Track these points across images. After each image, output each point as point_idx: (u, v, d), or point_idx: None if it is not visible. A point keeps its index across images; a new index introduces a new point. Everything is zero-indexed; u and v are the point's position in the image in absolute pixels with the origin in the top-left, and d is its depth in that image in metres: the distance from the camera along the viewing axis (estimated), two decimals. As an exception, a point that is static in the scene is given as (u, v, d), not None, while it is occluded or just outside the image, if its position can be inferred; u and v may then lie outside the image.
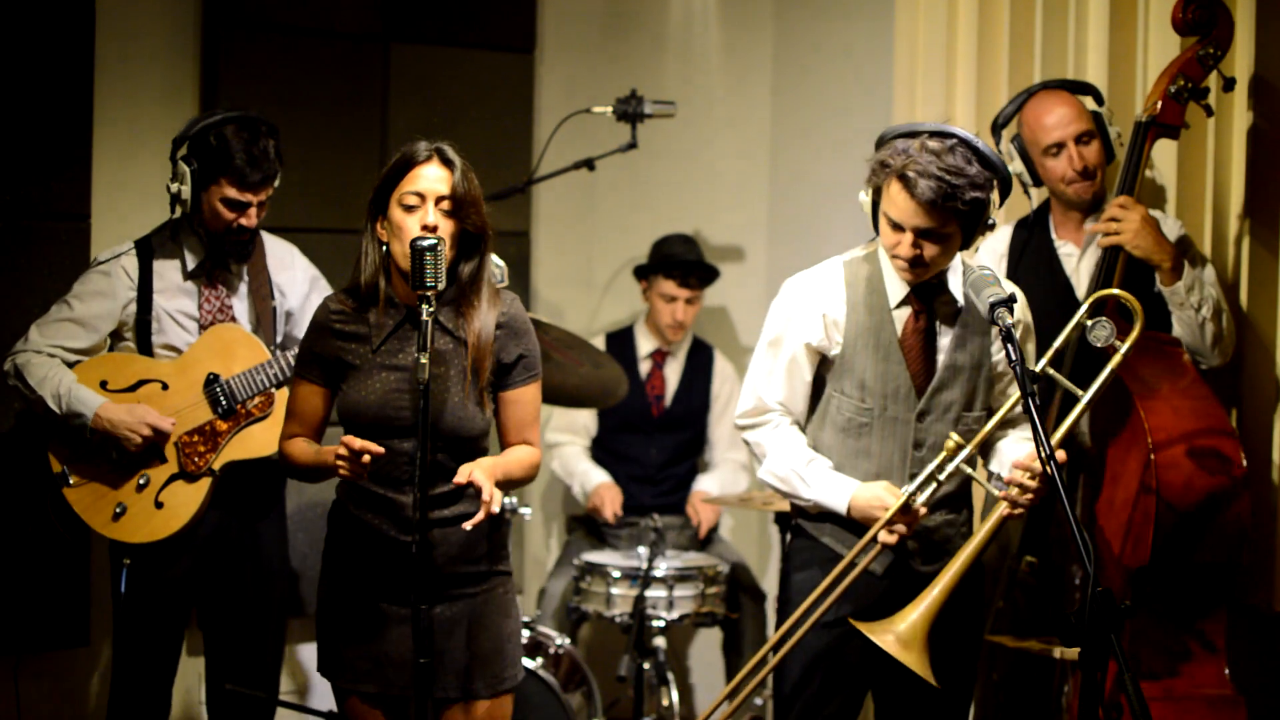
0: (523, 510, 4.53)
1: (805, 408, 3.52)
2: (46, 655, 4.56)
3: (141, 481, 3.97)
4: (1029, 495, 3.30)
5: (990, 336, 3.44)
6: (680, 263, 5.33)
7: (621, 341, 5.45)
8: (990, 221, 3.35)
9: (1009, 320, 3.10)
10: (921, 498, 3.32)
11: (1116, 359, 3.36)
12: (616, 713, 5.07)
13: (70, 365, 3.97)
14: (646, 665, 4.80)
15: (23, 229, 4.49)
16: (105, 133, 4.63)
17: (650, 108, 5.09)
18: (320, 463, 3.28)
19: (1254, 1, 4.03)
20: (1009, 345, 3.09)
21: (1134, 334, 3.37)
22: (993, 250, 4.28)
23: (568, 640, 4.73)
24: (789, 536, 3.63)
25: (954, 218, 3.29)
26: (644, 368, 5.44)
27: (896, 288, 3.43)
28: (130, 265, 4.02)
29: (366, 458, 3.17)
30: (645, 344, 5.46)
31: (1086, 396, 3.34)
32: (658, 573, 4.83)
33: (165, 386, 3.98)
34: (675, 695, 4.92)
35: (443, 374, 3.27)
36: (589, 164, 5.11)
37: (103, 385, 3.96)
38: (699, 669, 5.66)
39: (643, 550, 4.88)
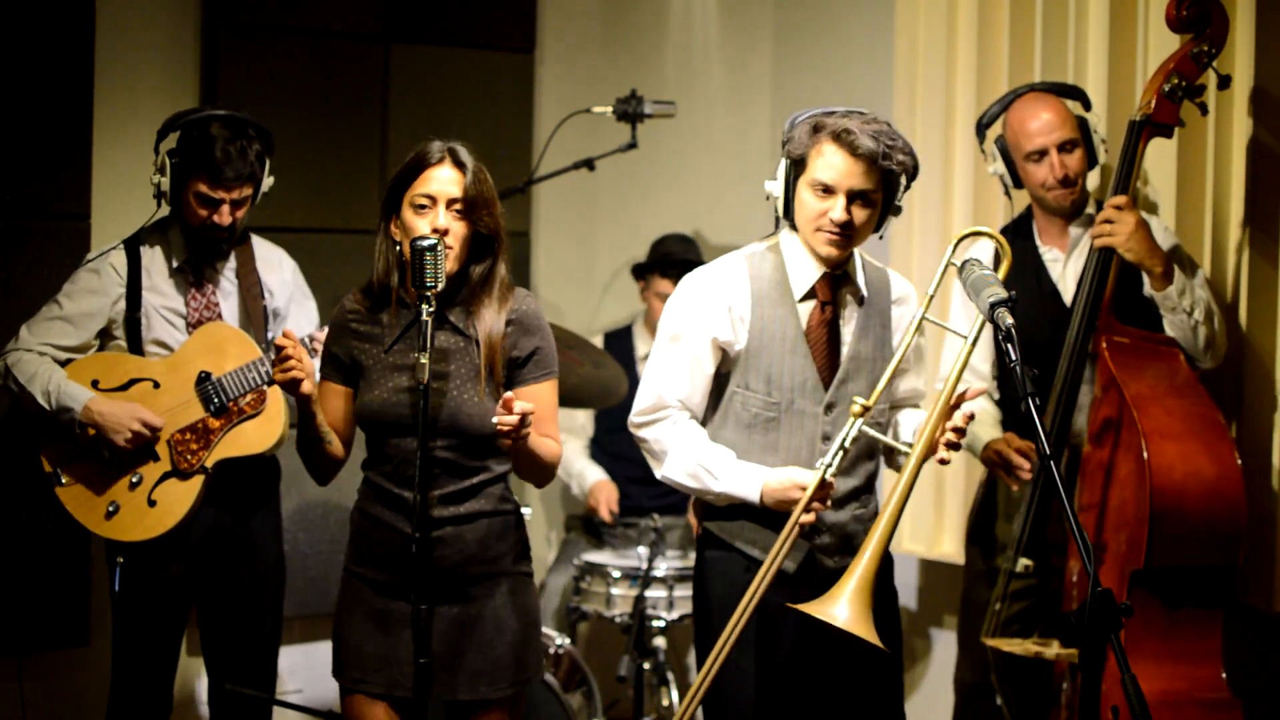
0: (523, 510, 4.52)
1: (705, 404, 3.47)
2: (46, 655, 4.56)
3: (134, 480, 3.97)
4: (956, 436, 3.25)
5: (889, 327, 3.44)
6: (677, 261, 5.33)
7: (619, 341, 5.44)
8: (898, 205, 3.36)
9: (1009, 321, 3.09)
10: (831, 470, 3.27)
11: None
12: (616, 713, 5.07)
13: (62, 364, 3.97)
14: (646, 665, 4.81)
15: (23, 229, 4.49)
16: (105, 133, 4.63)
17: (650, 108, 5.09)
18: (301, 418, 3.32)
19: (1254, 2, 4.03)
20: (1008, 346, 3.07)
21: (1004, 269, 3.31)
22: (977, 257, 4.27)
23: (568, 640, 4.73)
24: (700, 544, 3.53)
25: (883, 181, 3.31)
26: (641, 368, 5.43)
27: (801, 280, 3.41)
28: (119, 262, 4.02)
29: (287, 348, 3.20)
30: (643, 344, 5.46)
31: (971, 337, 3.27)
32: (658, 573, 4.83)
33: (157, 385, 3.98)
34: (675, 695, 4.92)
35: (452, 372, 3.28)
36: (589, 164, 5.11)
37: (94, 384, 3.96)
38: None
39: (643, 550, 4.88)
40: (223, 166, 3.90)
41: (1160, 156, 4.20)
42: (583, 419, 5.45)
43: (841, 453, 3.26)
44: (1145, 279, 3.96)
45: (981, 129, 4.22)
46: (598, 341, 5.36)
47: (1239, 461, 3.77)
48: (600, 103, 5.14)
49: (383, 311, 3.34)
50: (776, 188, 3.40)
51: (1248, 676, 3.91)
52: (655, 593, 4.83)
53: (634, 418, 3.47)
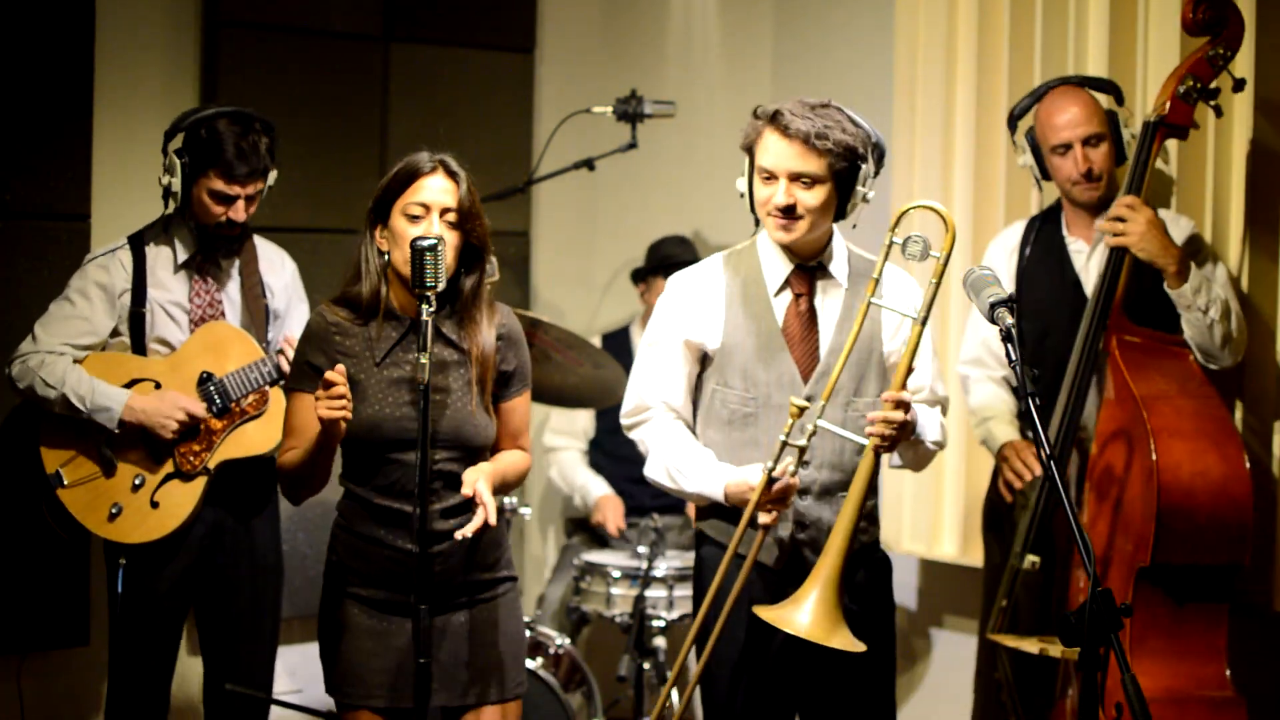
0: (523, 510, 4.53)
1: (688, 404, 3.47)
2: (46, 654, 4.56)
3: (137, 481, 3.96)
4: (893, 428, 3.20)
5: (879, 322, 3.39)
6: (679, 264, 5.31)
7: (618, 342, 5.44)
8: (866, 195, 3.33)
9: (1009, 321, 3.08)
10: (787, 468, 3.23)
11: (939, 268, 3.24)
12: (616, 713, 5.07)
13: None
14: (646, 665, 4.80)
15: (23, 229, 4.49)
16: (105, 133, 4.63)
17: (650, 108, 5.09)
18: (313, 441, 3.21)
19: (1254, 3, 4.03)
20: (1008, 345, 3.07)
21: (946, 240, 3.24)
22: (1004, 246, 4.28)
23: (568, 640, 4.73)
24: (696, 543, 3.52)
25: (826, 164, 3.28)
26: (639, 369, 5.43)
27: (775, 275, 3.40)
28: (125, 259, 4.02)
29: (340, 386, 3.10)
30: (641, 345, 5.45)
31: (920, 316, 3.23)
32: (658, 573, 4.83)
33: (158, 385, 3.97)
34: (675, 695, 4.92)
35: (449, 385, 3.28)
36: (589, 164, 5.11)
37: None
38: (699, 669, 5.66)
39: (643, 550, 4.88)
40: (236, 162, 3.91)
41: (1160, 155, 4.21)
42: (584, 421, 5.44)
43: (795, 452, 3.23)
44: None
45: (1013, 121, 4.23)
46: (595, 343, 5.35)
47: (1247, 461, 3.77)
48: (600, 103, 5.14)
49: (370, 323, 3.32)
50: (743, 184, 3.43)
51: (1252, 676, 3.90)
52: (655, 593, 4.83)
53: (622, 419, 3.51)
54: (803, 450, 3.25)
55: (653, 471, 3.44)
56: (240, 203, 3.96)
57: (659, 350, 3.45)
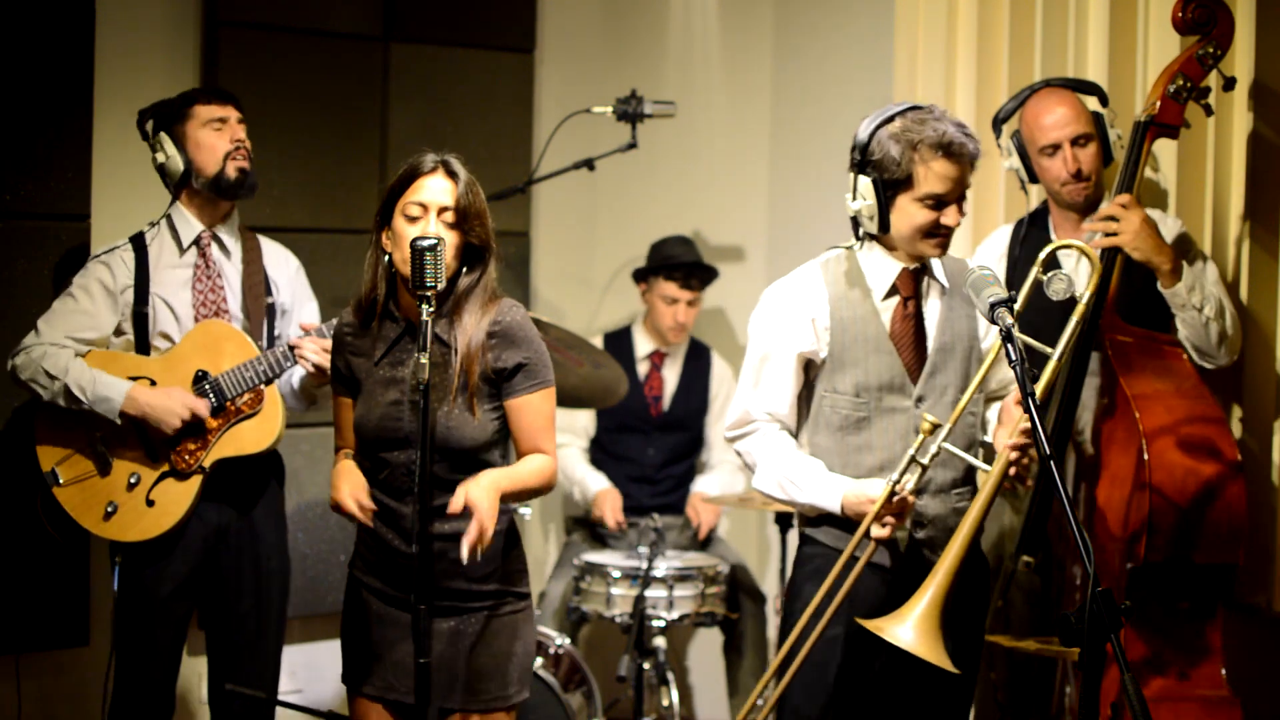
0: (523, 511, 4.53)
1: (793, 414, 3.51)
2: (46, 654, 4.56)
3: (132, 480, 3.97)
4: (1023, 455, 3.28)
5: (976, 320, 3.48)
6: (682, 265, 5.33)
7: (619, 342, 5.45)
8: None
9: (1009, 320, 3.11)
10: (909, 485, 3.30)
11: (1081, 308, 3.31)
12: (616, 713, 5.08)
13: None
14: (646, 665, 4.81)
15: (23, 229, 4.49)
16: (105, 133, 4.63)
17: (650, 108, 5.10)
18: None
19: (1254, 2, 4.03)
20: (1008, 345, 3.10)
21: (1093, 280, 3.36)
22: (993, 250, 4.28)
23: (568, 640, 4.73)
24: (799, 544, 3.57)
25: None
26: (642, 369, 5.44)
27: (881, 280, 3.44)
28: (127, 257, 4.04)
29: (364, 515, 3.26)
30: (643, 345, 5.46)
31: (1057, 352, 3.27)
32: (658, 573, 4.83)
33: (154, 383, 3.98)
34: (675, 695, 4.93)
35: (437, 385, 3.28)
36: (589, 164, 5.11)
37: None
38: (699, 669, 5.66)
39: (643, 550, 4.88)
40: (215, 91, 4.07)
41: (1161, 153, 4.22)
42: (584, 419, 5.45)
43: (919, 469, 3.29)
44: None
45: (998, 124, 4.24)
46: (597, 342, 5.36)
47: (1239, 460, 3.77)
48: (600, 103, 5.15)
49: (372, 325, 3.35)
50: (867, 206, 3.39)
51: (1248, 676, 3.91)
52: (655, 593, 4.83)
53: (726, 432, 3.58)
54: (924, 469, 3.31)
55: (763, 483, 3.49)
56: (236, 124, 4.04)
57: (768, 362, 3.48)
